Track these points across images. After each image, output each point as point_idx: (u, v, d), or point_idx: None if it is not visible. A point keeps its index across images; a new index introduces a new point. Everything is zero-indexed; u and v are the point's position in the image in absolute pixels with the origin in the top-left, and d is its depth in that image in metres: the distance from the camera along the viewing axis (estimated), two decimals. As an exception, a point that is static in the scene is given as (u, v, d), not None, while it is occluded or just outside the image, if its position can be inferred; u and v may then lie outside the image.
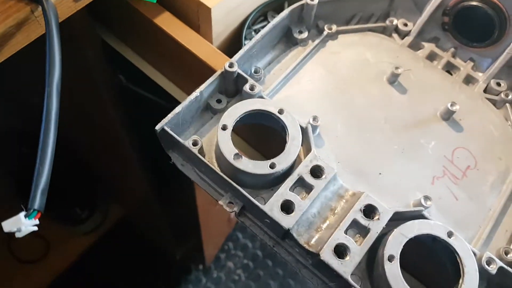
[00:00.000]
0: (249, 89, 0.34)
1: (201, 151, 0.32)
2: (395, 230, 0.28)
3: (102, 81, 0.58)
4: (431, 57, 0.41)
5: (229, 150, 0.30)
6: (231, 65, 0.34)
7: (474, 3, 0.37)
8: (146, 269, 1.07)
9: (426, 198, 0.32)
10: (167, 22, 0.42)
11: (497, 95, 0.39)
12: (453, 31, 0.41)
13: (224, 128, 0.31)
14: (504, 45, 0.39)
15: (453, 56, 0.42)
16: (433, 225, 0.29)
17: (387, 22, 0.41)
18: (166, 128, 0.31)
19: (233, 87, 0.35)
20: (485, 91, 0.39)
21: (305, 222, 0.30)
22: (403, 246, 0.28)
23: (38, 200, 0.26)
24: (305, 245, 0.29)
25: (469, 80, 0.40)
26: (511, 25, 0.37)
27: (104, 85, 0.59)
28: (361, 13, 0.42)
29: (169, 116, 0.31)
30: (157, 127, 0.31)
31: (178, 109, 0.32)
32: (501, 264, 0.30)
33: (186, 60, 0.41)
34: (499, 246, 0.33)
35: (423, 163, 0.35)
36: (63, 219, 0.93)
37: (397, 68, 0.37)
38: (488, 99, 0.39)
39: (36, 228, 0.26)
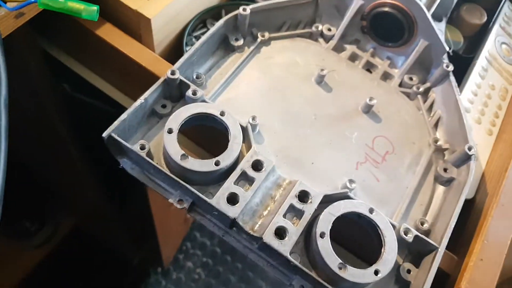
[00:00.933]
0: (192, 94, 0.37)
1: (149, 154, 0.34)
2: (324, 210, 0.33)
3: (45, 92, 0.58)
4: (353, 57, 0.47)
5: (175, 151, 0.33)
6: (173, 73, 0.37)
7: (386, 9, 0.43)
8: (104, 277, 1.06)
9: (351, 181, 0.37)
10: (109, 33, 0.44)
11: (410, 88, 0.45)
12: (371, 34, 0.46)
13: (169, 131, 0.34)
14: (414, 44, 0.45)
15: (372, 56, 0.47)
16: (356, 204, 0.34)
17: (313, 28, 0.46)
18: (113, 134, 0.33)
19: (177, 92, 0.38)
20: (400, 85, 0.45)
21: (249, 211, 0.34)
22: (333, 223, 0.32)
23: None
24: (250, 231, 0.33)
25: (386, 76, 0.46)
26: (418, 28, 0.43)
27: (47, 96, 0.59)
28: (290, 20, 0.46)
29: (115, 123, 0.34)
30: (104, 134, 0.33)
31: (124, 116, 0.34)
32: (416, 233, 0.35)
33: (129, 68, 0.44)
34: (415, 218, 0.38)
35: (348, 152, 0.40)
36: (12, 233, 0.91)
37: (322, 69, 0.42)
38: (403, 92, 0.45)
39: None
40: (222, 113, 0.36)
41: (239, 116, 0.37)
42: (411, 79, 0.45)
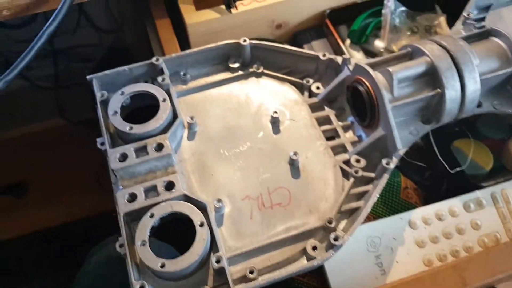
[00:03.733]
0: (161, 80, 0.47)
1: (105, 101, 0.47)
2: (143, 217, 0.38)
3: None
4: (324, 120, 0.48)
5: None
6: (157, 60, 0.48)
7: (359, 87, 0.44)
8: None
9: (220, 200, 0.41)
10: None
11: (351, 168, 0.44)
12: (351, 106, 0.47)
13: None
14: (374, 130, 0.44)
15: (347, 128, 0.48)
16: (188, 208, 0.38)
17: (304, 80, 0.50)
18: (94, 80, 0.47)
19: (159, 75, 0.49)
20: (344, 162, 0.45)
21: (129, 172, 0.42)
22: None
23: (1, 84, 0.45)
24: (120, 184, 0.42)
25: (339, 148, 0.46)
26: (380, 115, 0.43)
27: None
28: (293, 67, 0.51)
29: (100, 73, 0.47)
30: (88, 76, 0.47)
31: (107, 72, 0.47)
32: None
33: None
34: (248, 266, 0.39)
35: (248, 183, 0.43)
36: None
37: (275, 112, 0.46)
38: (341, 168, 0.44)
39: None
40: (164, 100, 0.45)
41: (186, 115, 0.46)
42: (357, 161, 0.44)
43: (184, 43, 0.59)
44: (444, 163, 0.50)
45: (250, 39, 0.50)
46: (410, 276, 0.43)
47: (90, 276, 0.63)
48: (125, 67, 0.48)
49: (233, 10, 0.54)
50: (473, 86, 0.42)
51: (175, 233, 0.40)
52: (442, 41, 0.44)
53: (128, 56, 1.21)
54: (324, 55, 0.48)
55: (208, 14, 0.54)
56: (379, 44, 0.62)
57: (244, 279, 0.38)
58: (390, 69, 0.42)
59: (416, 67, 0.42)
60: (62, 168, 1.39)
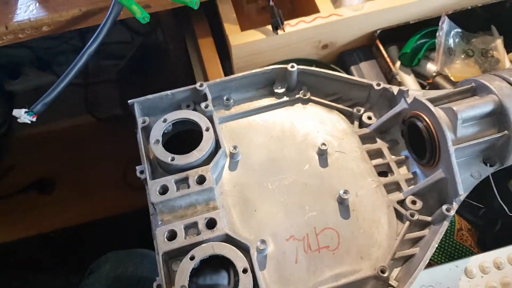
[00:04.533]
0: (204, 107, 0.45)
1: (146, 127, 0.45)
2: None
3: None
4: (376, 153, 0.45)
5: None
6: (201, 85, 0.46)
7: (418, 123, 0.40)
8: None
9: (263, 242, 0.38)
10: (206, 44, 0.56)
11: (406, 210, 0.41)
12: (406, 140, 0.44)
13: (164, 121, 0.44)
14: (435, 169, 0.40)
15: (400, 162, 0.44)
16: (230, 251, 0.36)
17: (355, 109, 0.47)
18: (135, 104, 0.45)
19: (202, 101, 0.47)
20: (399, 202, 0.42)
21: (169, 206, 0.40)
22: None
23: (38, 108, 0.44)
24: (159, 219, 0.40)
25: (392, 186, 0.43)
26: (441, 156, 0.39)
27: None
28: (342, 94, 0.48)
29: (142, 98, 0.45)
30: (130, 101, 0.45)
31: (149, 96, 0.45)
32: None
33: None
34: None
35: (293, 222, 0.41)
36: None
37: (323, 144, 0.43)
38: (396, 209, 0.41)
39: (29, 122, 0.43)
40: (207, 129, 0.43)
41: (228, 143, 0.43)
42: (413, 202, 0.41)
43: (225, 59, 0.57)
44: (503, 204, 0.46)
45: (294, 59, 0.48)
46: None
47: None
48: (168, 92, 0.46)
49: (280, 32, 0.52)
50: (544, 127, 0.38)
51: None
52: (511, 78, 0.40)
53: (159, 55, 1.20)
54: (378, 84, 0.45)
55: (253, 35, 0.52)
56: (431, 67, 0.58)
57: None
58: (455, 108, 0.38)
59: (483, 106, 0.39)
60: (90, 165, 1.40)
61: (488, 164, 0.40)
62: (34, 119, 0.44)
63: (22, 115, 0.43)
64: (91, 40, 0.47)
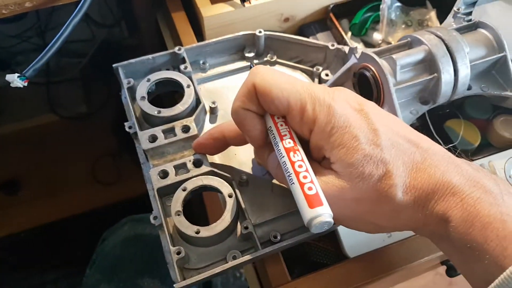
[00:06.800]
0: (183, 68, 0.51)
1: (132, 87, 0.50)
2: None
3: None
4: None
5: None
6: (179, 49, 0.52)
7: (366, 73, 0.49)
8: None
9: (243, 175, 0.45)
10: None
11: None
12: (357, 91, 0.52)
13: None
14: (381, 112, 0.49)
15: (354, 110, 0.52)
16: (217, 181, 0.42)
17: (314, 68, 0.54)
18: (119, 68, 0.50)
19: (181, 63, 0.53)
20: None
21: (159, 152, 0.46)
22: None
23: (30, 72, 0.48)
24: (150, 163, 0.45)
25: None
26: (385, 97, 0.47)
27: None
28: (303, 57, 0.56)
29: (125, 62, 0.50)
30: (114, 65, 0.50)
31: (132, 60, 0.51)
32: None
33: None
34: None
35: (267, 161, 0.47)
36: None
37: (289, 95, 0.50)
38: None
39: (21, 86, 0.47)
40: (188, 86, 0.49)
41: (207, 100, 0.49)
42: (366, 139, 0.49)
43: (198, 35, 0.63)
44: (439, 139, 0.54)
45: (262, 31, 0.54)
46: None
47: (108, 258, 0.66)
48: (149, 56, 0.51)
49: (246, 4, 0.58)
50: (465, 71, 0.47)
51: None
52: (438, 32, 0.49)
53: (121, 50, 1.22)
54: (332, 45, 0.53)
55: (223, 8, 0.58)
56: (377, 36, 0.67)
57: (268, 242, 0.42)
58: (394, 56, 0.47)
59: (416, 54, 0.47)
60: (55, 164, 1.39)
61: (423, 103, 0.49)
62: (26, 84, 0.48)
63: (15, 80, 0.47)
64: (77, 9, 0.51)
